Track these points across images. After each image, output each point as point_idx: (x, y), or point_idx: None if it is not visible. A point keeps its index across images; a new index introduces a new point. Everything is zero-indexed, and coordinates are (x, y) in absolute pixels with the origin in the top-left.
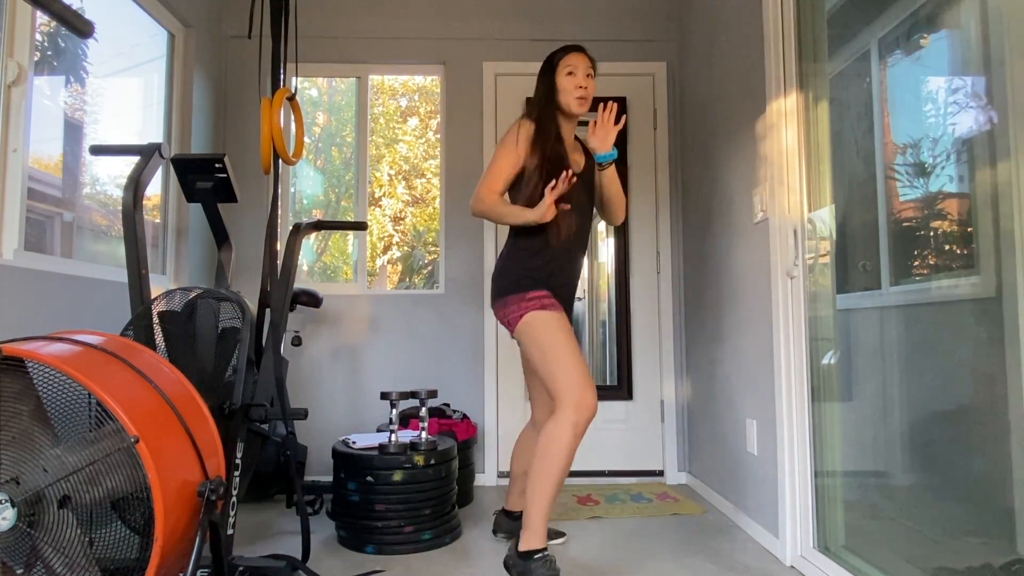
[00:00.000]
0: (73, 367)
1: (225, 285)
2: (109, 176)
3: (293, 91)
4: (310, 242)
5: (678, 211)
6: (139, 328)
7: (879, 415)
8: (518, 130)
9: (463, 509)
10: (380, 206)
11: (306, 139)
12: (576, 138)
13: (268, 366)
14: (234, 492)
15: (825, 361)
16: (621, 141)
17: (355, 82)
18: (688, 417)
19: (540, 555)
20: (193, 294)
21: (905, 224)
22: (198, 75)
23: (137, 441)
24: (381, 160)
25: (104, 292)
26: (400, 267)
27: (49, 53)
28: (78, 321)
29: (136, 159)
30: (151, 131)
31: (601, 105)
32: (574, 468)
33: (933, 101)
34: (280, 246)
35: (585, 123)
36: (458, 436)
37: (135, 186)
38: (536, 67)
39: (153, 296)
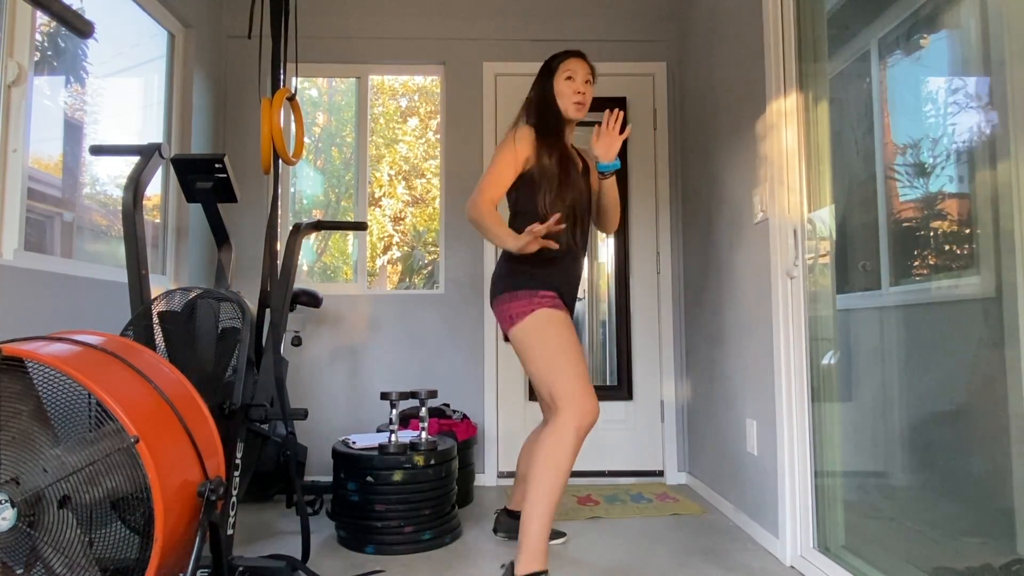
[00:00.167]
0: (73, 367)
1: (225, 285)
2: (109, 176)
3: (293, 91)
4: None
5: (678, 211)
6: (139, 328)
7: (879, 415)
8: (515, 135)
9: (463, 509)
10: (380, 206)
11: (306, 139)
12: (572, 146)
13: (268, 366)
14: (234, 492)
15: (825, 361)
16: (622, 147)
17: (355, 82)
18: (688, 417)
19: None
20: (193, 294)
21: (905, 224)
22: (198, 75)
23: (137, 441)
24: (381, 160)
25: (104, 292)
26: (400, 267)
27: (49, 53)
28: (78, 321)
29: (136, 159)
30: (151, 131)
31: (607, 111)
32: (574, 468)
33: (933, 101)
34: (280, 246)
35: (587, 124)
36: (458, 436)
37: (135, 186)
38: (536, 67)
39: (153, 296)
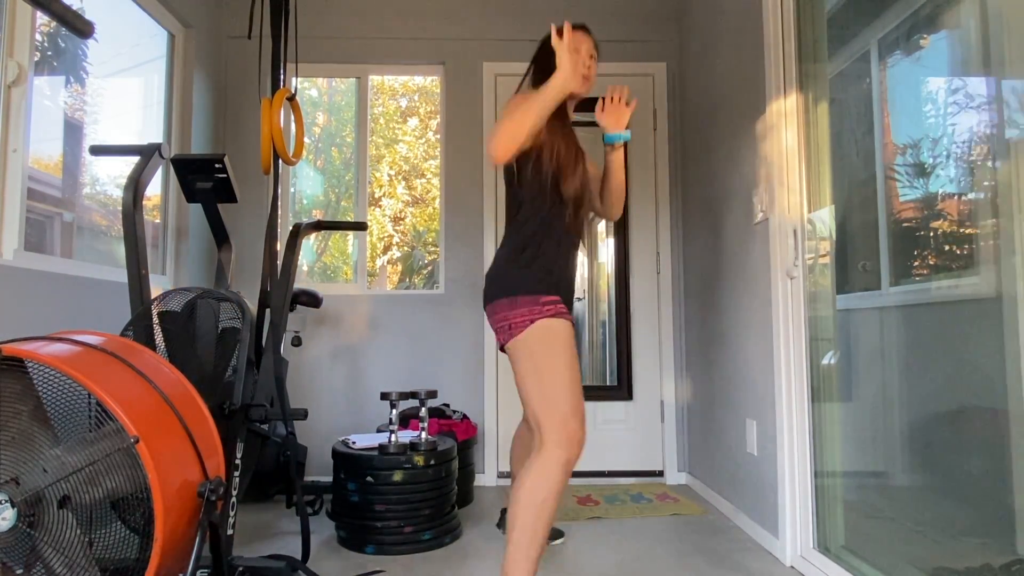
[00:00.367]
0: (73, 367)
1: (225, 285)
2: (109, 176)
3: (293, 91)
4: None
5: (678, 211)
6: (139, 328)
7: (879, 415)
8: (525, 97)
9: (463, 509)
10: (380, 206)
11: (306, 139)
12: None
13: (268, 366)
14: (234, 492)
15: (825, 361)
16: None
17: (355, 82)
18: (688, 417)
19: None
20: (193, 294)
21: (905, 224)
22: (198, 75)
23: (137, 441)
24: (381, 160)
25: (104, 292)
26: (400, 267)
27: (49, 53)
28: (78, 321)
29: (136, 159)
30: (151, 131)
31: (610, 87)
32: (574, 468)
33: (933, 101)
34: (280, 246)
35: (577, 125)
36: (458, 436)
37: (135, 186)
38: None
39: (153, 296)
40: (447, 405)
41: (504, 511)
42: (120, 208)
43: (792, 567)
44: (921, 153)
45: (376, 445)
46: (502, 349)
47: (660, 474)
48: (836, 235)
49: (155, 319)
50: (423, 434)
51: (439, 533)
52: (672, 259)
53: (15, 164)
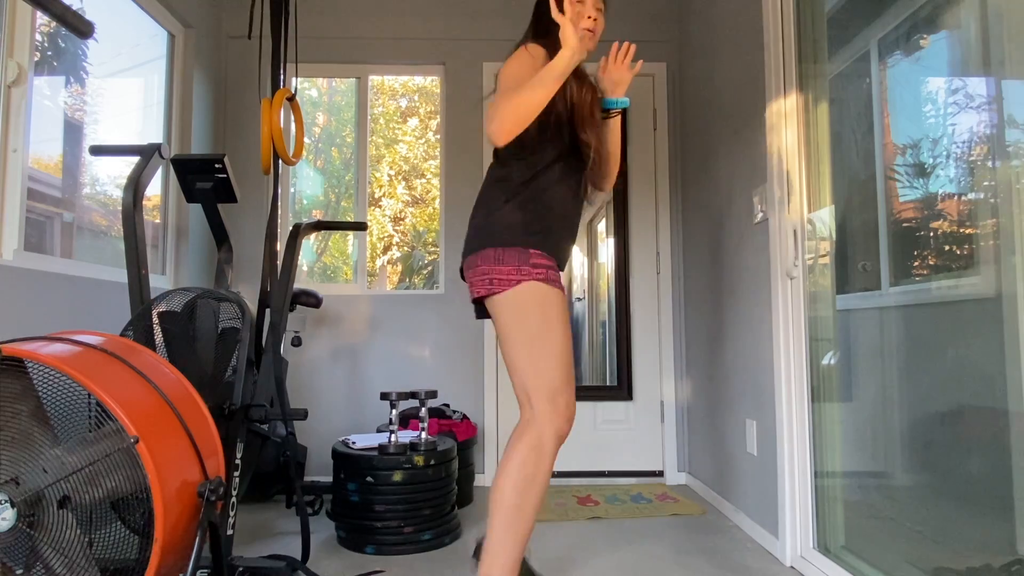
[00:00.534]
0: (73, 367)
1: (225, 285)
2: (109, 176)
3: (293, 91)
4: (310, 242)
5: (678, 211)
6: (139, 328)
7: (879, 415)
8: (529, 51)
9: (463, 509)
10: (380, 206)
11: (306, 139)
12: None
13: (268, 366)
14: (234, 492)
15: (825, 361)
16: (622, 142)
17: (355, 82)
18: (688, 417)
19: None
20: (193, 294)
21: (905, 225)
22: (198, 75)
23: (137, 441)
24: (381, 160)
25: (104, 292)
26: (400, 267)
27: (49, 53)
28: (78, 321)
29: (136, 159)
30: (151, 131)
31: (615, 44)
32: (574, 468)
33: (933, 102)
34: (280, 246)
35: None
36: (458, 436)
37: (135, 186)
38: None
39: (153, 296)
40: (447, 405)
41: (480, 544)
42: (120, 208)
43: (792, 567)
44: (921, 153)
45: (376, 445)
46: (475, 303)
47: (660, 474)
48: (836, 235)
49: (155, 319)
50: (423, 434)
51: (439, 533)
52: (672, 259)
53: (15, 164)
